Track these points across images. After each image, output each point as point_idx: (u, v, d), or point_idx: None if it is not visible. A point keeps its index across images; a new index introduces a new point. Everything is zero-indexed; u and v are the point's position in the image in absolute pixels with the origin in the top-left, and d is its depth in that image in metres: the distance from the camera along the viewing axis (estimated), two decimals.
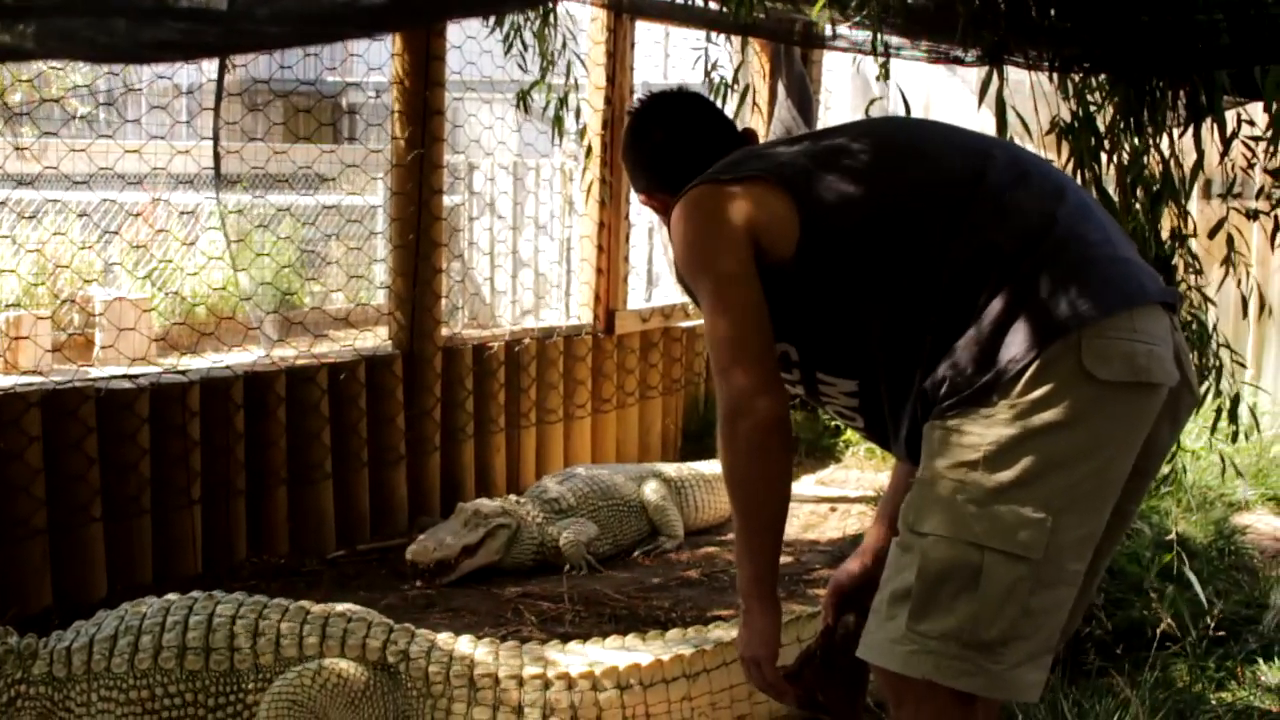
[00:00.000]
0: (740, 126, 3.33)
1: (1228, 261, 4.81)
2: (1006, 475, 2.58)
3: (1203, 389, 4.71)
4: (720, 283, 2.84)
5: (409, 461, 6.66)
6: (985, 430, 2.60)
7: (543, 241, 10.93)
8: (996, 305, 2.62)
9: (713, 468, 7.20)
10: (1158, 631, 4.37)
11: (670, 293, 10.22)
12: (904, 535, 2.71)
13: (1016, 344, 2.59)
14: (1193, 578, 4.83)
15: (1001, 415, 2.59)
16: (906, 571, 2.67)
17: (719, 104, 3.99)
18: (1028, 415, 2.57)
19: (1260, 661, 4.63)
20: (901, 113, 5.07)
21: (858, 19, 4.69)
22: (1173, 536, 5.13)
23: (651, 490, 6.70)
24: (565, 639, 4.39)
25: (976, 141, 2.97)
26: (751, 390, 2.79)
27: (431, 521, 6.42)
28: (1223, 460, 4.85)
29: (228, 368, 6.03)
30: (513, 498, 6.40)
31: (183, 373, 5.84)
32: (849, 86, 10.75)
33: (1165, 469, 5.07)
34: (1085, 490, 2.62)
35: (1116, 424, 2.63)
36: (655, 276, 11.13)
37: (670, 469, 7.09)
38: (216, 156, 5.87)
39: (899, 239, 2.74)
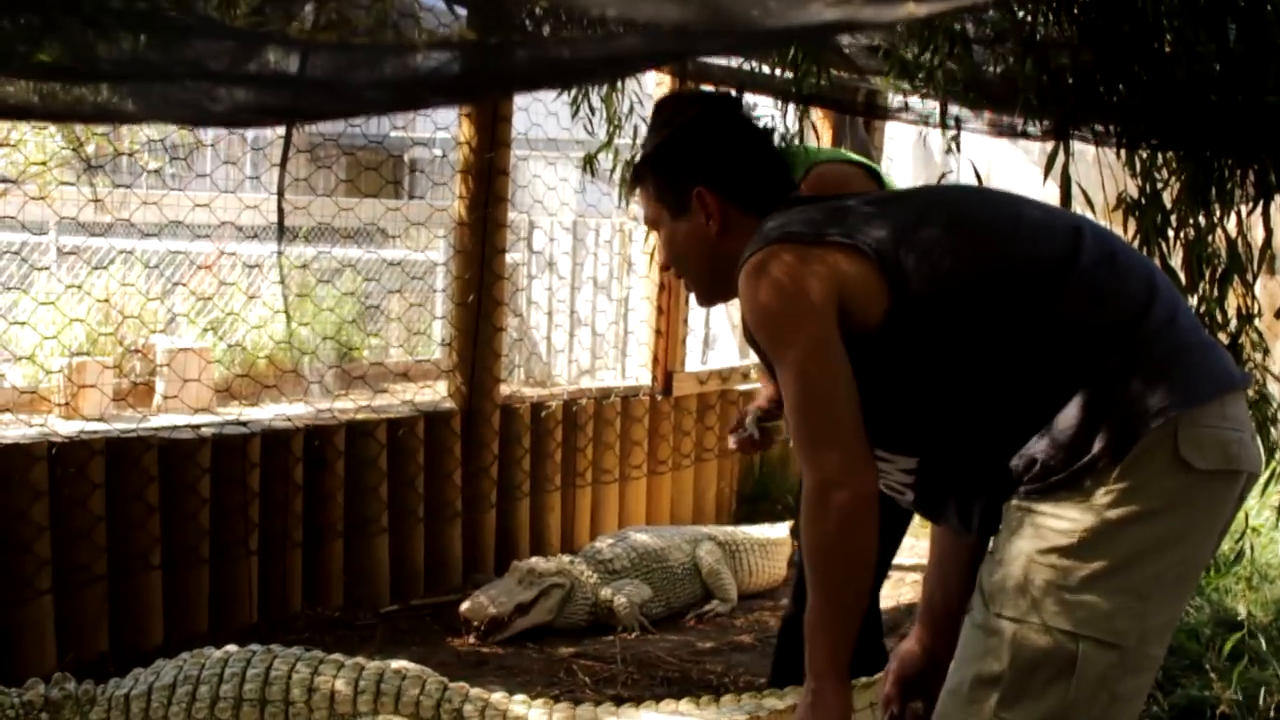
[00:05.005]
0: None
1: None
2: (1101, 563, 2.54)
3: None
4: (806, 350, 2.71)
5: (465, 518, 6.68)
6: (1079, 516, 2.55)
7: (601, 301, 10.96)
8: (1092, 389, 2.58)
9: (766, 532, 7.17)
10: (1218, 712, 4.30)
11: (727, 355, 10.21)
12: (986, 618, 2.64)
13: (1112, 430, 2.54)
14: None
15: (1096, 502, 2.54)
16: (993, 656, 2.61)
17: None
18: (1122, 503, 2.54)
19: None
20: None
21: (926, 90, 4.70)
22: (1243, 616, 5.05)
23: (706, 553, 6.68)
24: (618, 701, 4.38)
25: (1062, 219, 2.91)
26: (845, 464, 2.69)
27: (486, 579, 6.43)
28: None
29: (288, 419, 6.09)
30: (567, 558, 6.41)
31: (244, 424, 5.91)
32: (910, 154, 10.76)
33: (1239, 546, 5.01)
34: (1172, 577, 2.59)
35: (1205, 512, 2.61)
36: (712, 339, 11.12)
37: (724, 532, 7.08)
38: (280, 212, 5.94)
39: (991, 317, 2.68)
